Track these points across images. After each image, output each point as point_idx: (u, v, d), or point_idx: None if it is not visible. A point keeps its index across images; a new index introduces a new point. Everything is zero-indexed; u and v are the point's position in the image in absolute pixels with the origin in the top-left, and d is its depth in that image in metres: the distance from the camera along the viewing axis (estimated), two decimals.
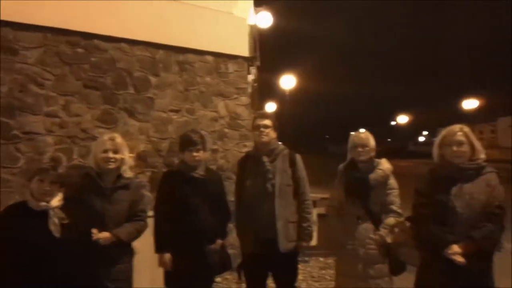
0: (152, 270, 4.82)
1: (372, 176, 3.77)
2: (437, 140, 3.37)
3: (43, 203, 2.97)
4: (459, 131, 3.24)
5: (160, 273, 3.91)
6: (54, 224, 2.95)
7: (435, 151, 3.35)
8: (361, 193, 3.76)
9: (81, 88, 4.97)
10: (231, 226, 5.73)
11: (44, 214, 2.96)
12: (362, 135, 3.87)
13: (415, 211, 3.34)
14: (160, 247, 3.74)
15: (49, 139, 4.70)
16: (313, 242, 6.28)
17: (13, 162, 4.49)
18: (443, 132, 3.32)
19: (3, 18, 4.47)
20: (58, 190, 3.06)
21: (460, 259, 3.00)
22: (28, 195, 3.01)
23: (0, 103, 4.45)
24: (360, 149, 3.80)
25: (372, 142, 3.85)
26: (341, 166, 4.01)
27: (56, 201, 3.01)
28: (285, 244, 3.74)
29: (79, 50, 4.99)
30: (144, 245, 4.13)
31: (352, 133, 4.01)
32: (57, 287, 2.96)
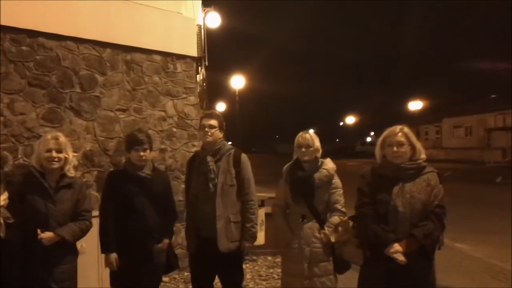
0: (99, 270, 4.84)
1: (316, 175, 3.84)
2: (379, 140, 3.44)
3: None
4: (399, 131, 3.29)
5: (107, 273, 3.92)
6: None
7: (377, 151, 3.41)
8: (305, 193, 3.82)
9: (25, 86, 4.89)
10: (179, 225, 5.81)
11: None
12: (307, 136, 3.91)
13: (358, 210, 3.39)
14: (105, 247, 3.74)
15: None
16: (261, 241, 6.42)
17: None
18: (385, 133, 3.38)
19: None
20: (3, 189, 3.04)
21: (401, 257, 3.07)
22: None
23: None
24: (303, 149, 3.86)
25: (316, 142, 3.91)
26: (286, 166, 4.07)
27: (1, 200, 2.99)
28: (225, 244, 3.78)
29: (24, 48, 4.89)
30: (90, 245, 4.15)
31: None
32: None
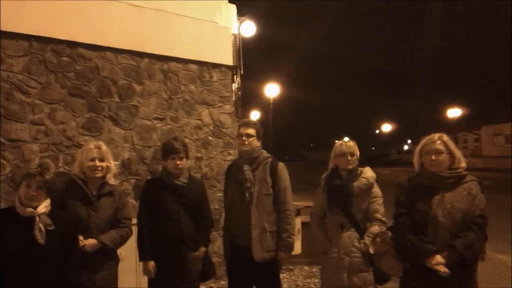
0: (137, 277, 4.88)
1: (355, 184, 3.76)
2: (417, 149, 3.38)
3: (29, 209, 2.99)
4: (437, 139, 3.24)
5: (145, 280, 3.95)
6: (40, 230, 2.98)
7: (415, 159, 3.35)
8: (342, 201, 3.76)
9: (66, 96, 5.00)
10: (215, 234, 5.81)
11: (30, 220, 2.99)
12: (351, 144, 3.87)
13: (396, 221, 3.33)
14: (143, 255, 3.79)
15: (35, 147, 4.73)
16: (297, 250, 6.36)
17: None
18: (423, 141, 3.33)
19: None
20: (45, 196, 3.09)
21: (444, 269, 2.99)
22: (16, 201, 3.05)
23: None
24: (349, 158, 3.79)
25: (357, 150, 3.87)
26: (324, 174, 4.00)
27: (43, 207, 3.04)
28: (260, 253, 3.76)
29: (64, 58, 5.02)
30: (128, 252, 4.18)
31: (338, 141, 4.02)
32: None
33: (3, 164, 4.54)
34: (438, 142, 3.24)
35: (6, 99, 4.60)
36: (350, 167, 3.82)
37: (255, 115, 31.31)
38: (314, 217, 4.01)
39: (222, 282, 5.74)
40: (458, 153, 3.24)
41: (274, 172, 3.89)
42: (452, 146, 3.25)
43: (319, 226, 3.96)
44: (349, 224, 3.75)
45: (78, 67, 5.12)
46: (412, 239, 3.14)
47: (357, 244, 3.70)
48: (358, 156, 3.87)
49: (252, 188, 3.82)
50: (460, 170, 3.20)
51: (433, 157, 3.20)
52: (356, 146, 3.89)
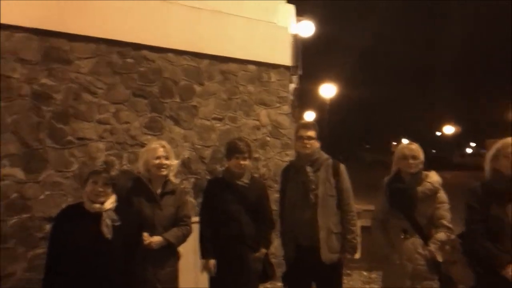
0: (196, 274, 4.96)
1: (420, 188, 3.65)
2: (490, 153, 3.27)
3: (97, 205, 3.11)
4: None
5: (203, 277, 4.02)
6: (107, 226, 3.09)
7: (487, 164, 3.24)
8: (405, 206, 3.65)
9: (130, 97, 5.18)
10: (272, 235, 5.81)
11: (97, 216, 3.10)
12: (413, 146, 3.77)
13: (468, 228, 3.22)
14: (204, 253, 3.84)
15: (101, 145, 4.92)
16: (357, 255, 6.24)
17: (66, 166, 4.71)
18: (497, 145, 3.22)
19: (61, 29, 4.72)
20: (111, 193, 3.21)
21: None
22: (84, 197, 3.17)
23: (56, 110, 4.69)
24: (411, 161, 3.69)
25: (421, 153, 3.76)
26: (386, 177, 3.92)
27: (109, 203, 3.15)
28: (328, 255, 3.74)
29: (129, 60, 5.20)
30: (187, 250, 4.26)
31: (401, 143, 3.93)
32: (108, 287, 3.09)
33: (71, 162, 4.76)
34: None
35: (75, 99, 4.81)
36: (413, 170, 3.70)
37: (310, 115, 31.11)
38: (376, 222, 3.91)
39: (279, 284, 5.72)
40: None
41: (336, 173, 3.87)
42: None
43: (381, 230, 3.85)
44: (412, 229, 3.62)
45: (141, 69, 5.29)
46: (488, 246, 3.03)
47: (421, 251, 3.56)
48: (422, 159, 3.73)
49: (317, 190, 3.79)
50: None
51: (509, 161, 3.08)
52: (420, 149, 3.76)
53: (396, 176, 3.82)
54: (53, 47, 4.72)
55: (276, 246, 5.96)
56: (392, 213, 3.74)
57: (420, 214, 3.63)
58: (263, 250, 3.92)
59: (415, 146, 3.78)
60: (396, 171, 3.83)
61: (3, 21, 4.40)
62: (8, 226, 4.37)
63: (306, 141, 3.86)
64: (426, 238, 3.59)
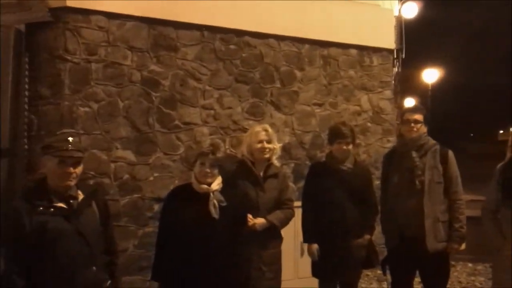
0: (295, 258, 5.01)
1: None
2: None
3: (205, 186, 3.20)
4: None
5: (303, 261, 4.03)
6: (214, 206, 3.19)
7: None
8: None
9: (233, 83, 5.30)
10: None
11: (205, 196, 3.21)
12: None
13: None
14: (307, 237, 3.86)
15: (205, 130, 5.10)
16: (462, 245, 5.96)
17: (174, 150, 4.95)
18: None
19: (168, 17, 4.91)
20: (218, 174, 3.30)
21: None
22: (193, 178, 3.29)
23: (164, 96, 4.93)
24: None
25: None
26: (499, 165, 3.65)
27: (216, 184, 3.24)
28: (433, 244, 3.61)
29: (232, 46, 5.31)
30: (287, 234, 4.29)
31: None
32: (214, 265, 3.20)
33: (178, 145, 4.98)
34: None
35: (181, 85, 5.01)
36: None
37: (409, 102, 29.81)
38: (487, 212, 3.65)
39: (378, 272, 5.60)
40: None
41: (444, 160, 3.72)
42: None
43: (492, 221, 3.59)
44: None
45: (244, 55, 5.38)
46: None
47: None
48: None
49: (423, 176, 3.66)
50: None
51: None
52: None
53: (510, 163, 3.57)
54: (161, 34, 4.94)
55: (376, 233, 5.84)
56: (504, 202, 3.47)
57: None
58: (367, 237, 3.85)
59: None
60: (510, 158, 3.63)
61: (115, 11, 4.67)
62: (121, 205, 4.69)
63: (413, 125, 3.72)
64: None
